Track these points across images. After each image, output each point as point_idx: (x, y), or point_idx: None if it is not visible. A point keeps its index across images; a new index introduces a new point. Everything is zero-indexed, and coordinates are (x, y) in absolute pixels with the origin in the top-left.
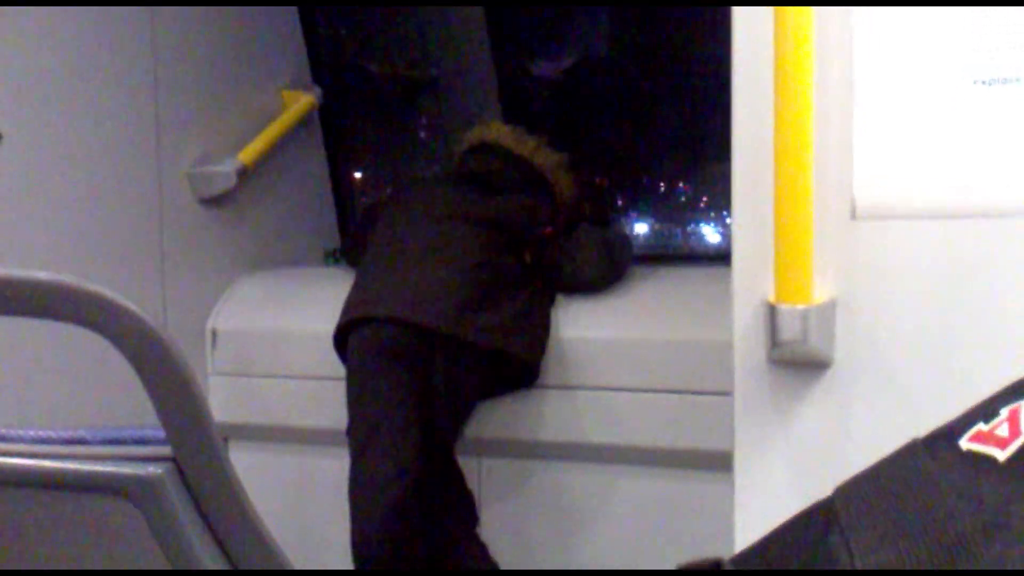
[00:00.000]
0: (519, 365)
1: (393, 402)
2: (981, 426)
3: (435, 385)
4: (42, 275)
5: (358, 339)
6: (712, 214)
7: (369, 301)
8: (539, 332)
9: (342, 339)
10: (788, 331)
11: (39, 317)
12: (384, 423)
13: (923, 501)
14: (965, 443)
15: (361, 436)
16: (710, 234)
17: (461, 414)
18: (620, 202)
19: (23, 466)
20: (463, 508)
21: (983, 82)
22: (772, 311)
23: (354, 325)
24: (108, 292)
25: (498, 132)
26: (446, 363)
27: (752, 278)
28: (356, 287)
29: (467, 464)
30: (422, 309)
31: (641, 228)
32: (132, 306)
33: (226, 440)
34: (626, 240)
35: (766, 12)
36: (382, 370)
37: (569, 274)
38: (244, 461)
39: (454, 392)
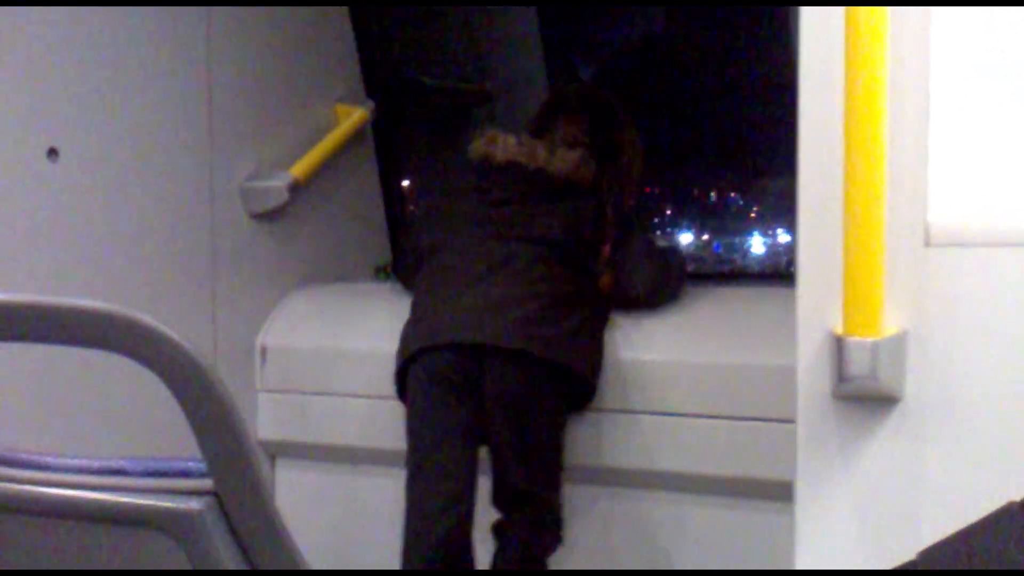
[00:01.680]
0: (578, 382)
1: (446, 430)
2: None
3: (498, 405)
4: (86, 304)
5: (416, 371)
6: (772, 232)
7: (427, 334)
8: (596, 350)
9: (402, 378)
10: (856, 366)
11: (83, 346)
12: (435, 451)
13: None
14: None
15: (413, 465)
16: (771, 252)
17: (540, 430)
18: (669, 213)
19: (64, 497)
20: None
21: None
22: (839, 344)
23: (413, 359)
24: (153, 322)
25: (505, 148)
26: (508, 380)
27: (818, 306)
28: (413, 323)
29: None
30: (481, 329)
31: (695, 243)
32: (177, 337)
33: (273, 458)
34: (678, 257)
35: (837, 16)
36: (437, 397)
37: (620, 286)
38: (291, 479)
39: (525, 409)
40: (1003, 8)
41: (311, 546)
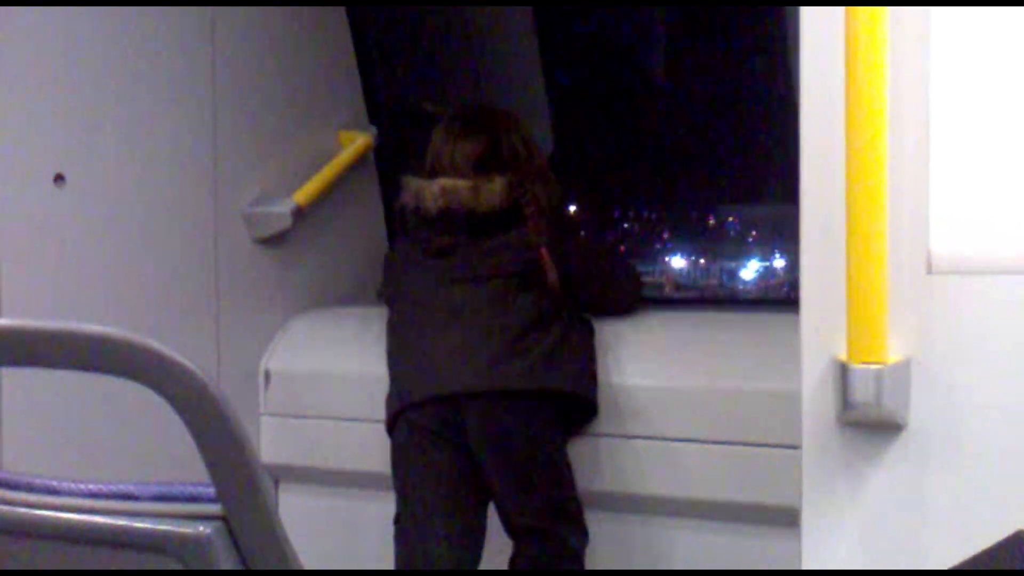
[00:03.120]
0: (569, 401)
1: (429, 476)
2: None
3: (484, 448)
4: (97, 329)
5: (400, 425)
6: (773, 256)
7: (401, 393)
8: (582, 362)
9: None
10: (861, 393)
11: (91, 371)
12: (423, 500)
13: None
14: None
15: (403, 513)
16: (773, 277)
17: (533, 464)
18: (666, 235)
19: (73, 521)
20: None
21: None
22: (844, 371)
23: (397, 417)
24: (163, 347)
25: (433, 196)
26: (489, 422)
27: (821, 333)
28: (390, 382)
29: None
30: (452, 379)
31: (695, 267)
32: (187, 362)
33: (276, 482)
34: (635, 268)
35: (836, 57)
36: (421, 447)
37: (597, 305)
38: (295, 503)
39: (513, 447)
40: (1003, 33)
41: (315, 569)
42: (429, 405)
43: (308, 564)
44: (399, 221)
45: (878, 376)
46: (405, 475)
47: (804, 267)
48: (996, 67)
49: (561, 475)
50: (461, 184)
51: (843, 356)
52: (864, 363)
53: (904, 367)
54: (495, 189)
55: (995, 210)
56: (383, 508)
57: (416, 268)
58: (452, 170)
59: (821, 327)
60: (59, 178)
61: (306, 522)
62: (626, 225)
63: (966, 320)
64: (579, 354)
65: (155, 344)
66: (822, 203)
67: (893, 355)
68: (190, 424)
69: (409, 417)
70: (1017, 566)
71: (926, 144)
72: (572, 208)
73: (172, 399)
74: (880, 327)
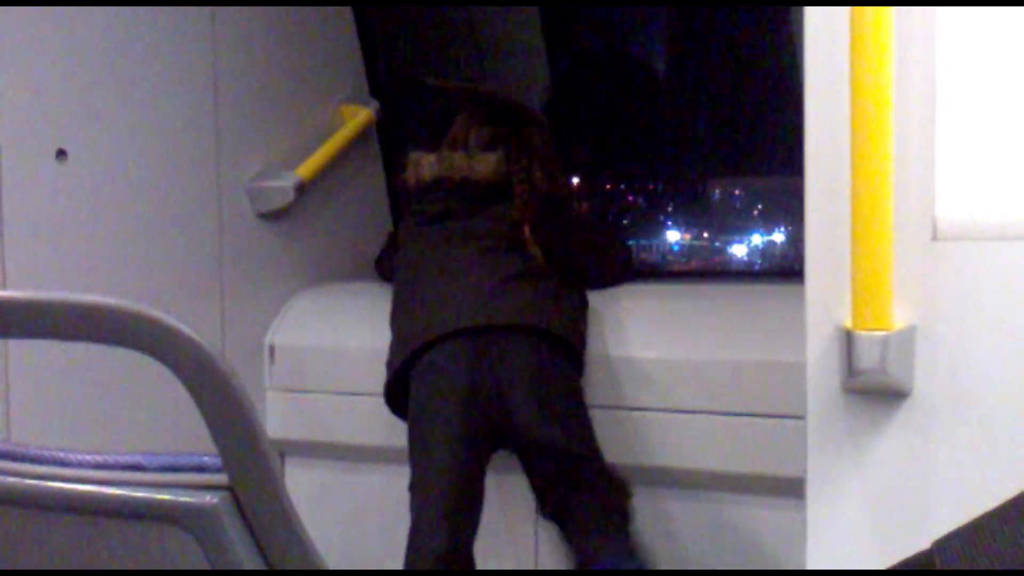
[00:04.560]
0: (562, 349)
1: (439, 441)
2: None
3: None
4: (101, 300)
5: (415, 379)
6: (776, 228)
7: (404, 344)
8: (570, 315)
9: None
10: (866, 360)
11: (98, 342)
12: (427, 465)
13: None
14: None
15: (413, 475)
16: (775, 248)
17: (553, 394)
18: (670, 209)
19: (80, 492)
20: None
21: None
22: (849, 338)
23: (399, 376)
24: (168, 318)
25: (429, 166)
26: (493, 363)
27: (826, 301)
28: (392, 338)
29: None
30: (446, 319)
31: (701, 241)
32: (191, 332)
33: (282, 456)
34: (625, 246)
35: (841, 14)
36: (431, 410)
37: (585, 281)
38: (300, 478)
39: (514, 386)
40: (1008, 7)
41: (320, 543)
42: (440, 348)
43: (315, 537)
44: (400, 199)
45: (883, 343)
46: (420, 432)
47: (809, 234)
48: (1001, 38)
49: (582, 411)
50: (458, 154)
51: (848, 323)
52: (869, 330)
53: (909, 334)
54: (490, 159)
55: (1001, 176)
56: (390, 481)
57: (414, 237)
58: (464, 150)
59: (826, 295)
60: (61, 153)
61: (313, 496)
62: (631, 198)
63: (972, 287)
64: (567, 307)
65: (158, 314)
66: (827, 170)
67: (898, 322)
68: (194, 394)
69: (421, 367)
70: (1019, 531)
71: (932, 110)
72: (575, 180)
73: (176, 369)
74: (885, 294)
